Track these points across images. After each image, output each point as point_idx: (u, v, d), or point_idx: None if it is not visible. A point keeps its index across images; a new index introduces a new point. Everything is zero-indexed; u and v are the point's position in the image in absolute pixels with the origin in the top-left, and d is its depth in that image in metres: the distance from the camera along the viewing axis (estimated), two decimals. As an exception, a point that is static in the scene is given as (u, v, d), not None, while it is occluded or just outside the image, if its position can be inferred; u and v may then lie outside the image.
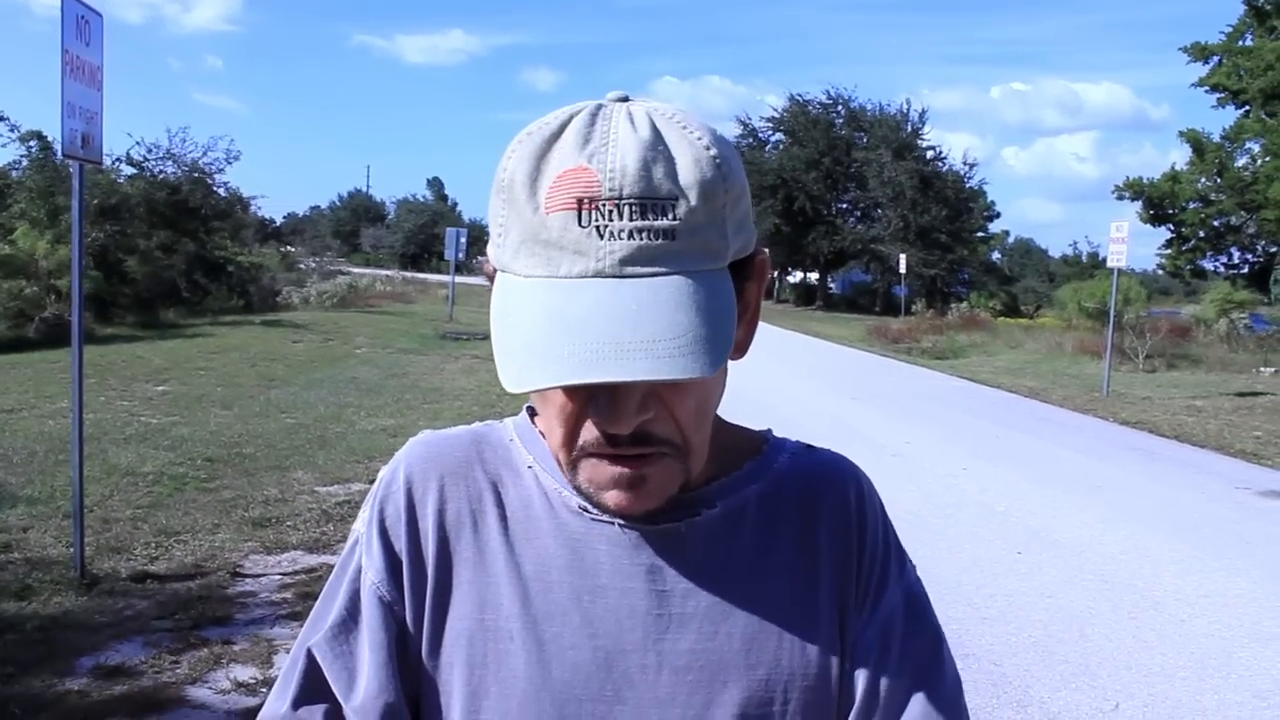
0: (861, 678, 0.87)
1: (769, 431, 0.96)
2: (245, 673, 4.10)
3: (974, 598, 5.47)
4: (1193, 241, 33.44)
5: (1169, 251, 34.47)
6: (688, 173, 0.73)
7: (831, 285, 53.42)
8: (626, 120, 0.74)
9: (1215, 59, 31.19)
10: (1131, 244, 15.64)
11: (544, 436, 0.89)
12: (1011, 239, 70.71)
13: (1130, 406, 14.19)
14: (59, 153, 20.56)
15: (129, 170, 22.73)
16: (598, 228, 0.71)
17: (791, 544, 0.88)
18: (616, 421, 0.75)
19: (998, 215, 53.93)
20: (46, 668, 4.02)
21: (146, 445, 8.22)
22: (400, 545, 0.88)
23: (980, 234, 50.49)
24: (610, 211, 0.71)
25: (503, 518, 0.88)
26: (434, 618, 0.86)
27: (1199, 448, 11.05)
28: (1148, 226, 33.93)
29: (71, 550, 5.11)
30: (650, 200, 0.71)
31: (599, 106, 0.76)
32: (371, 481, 5.34)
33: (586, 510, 0.86)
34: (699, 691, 0.83)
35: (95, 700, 3.79)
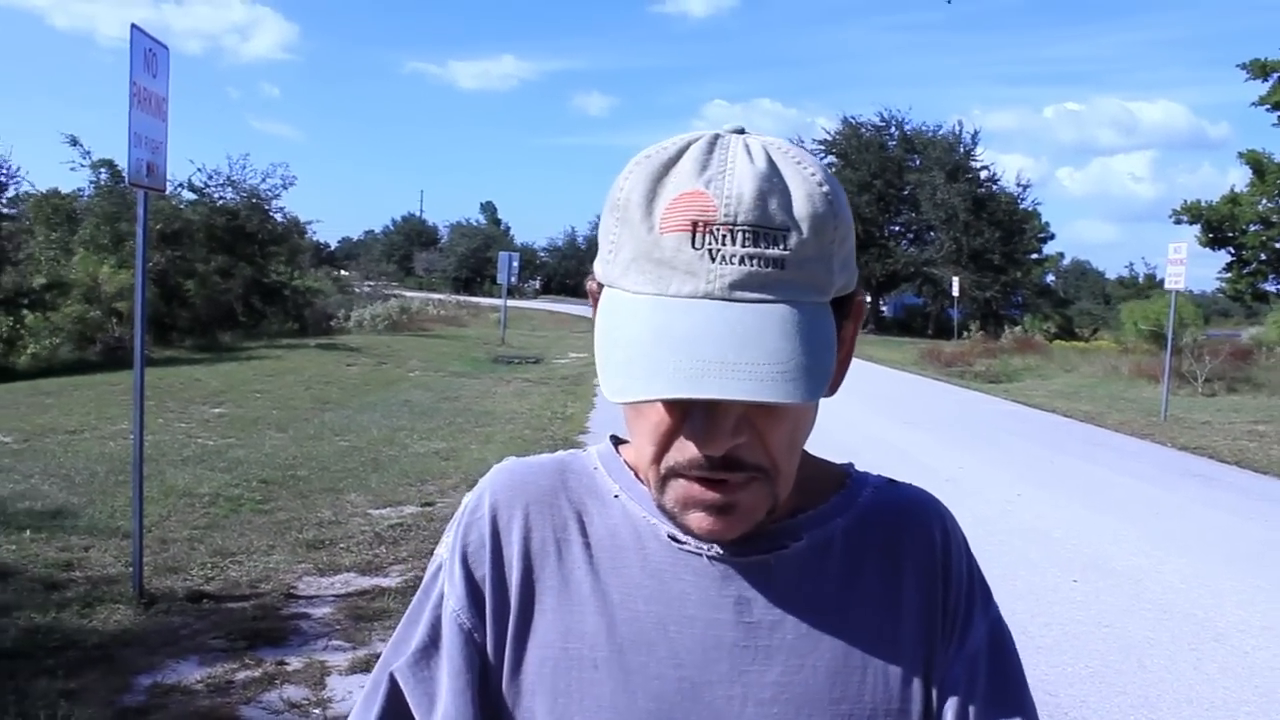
0: (950, 712, 0.88)
1: (851, 465, 0.97)
2: (298, 694, 4.15)
3: (1029, 626, 5.39)
4: (1253, 264, 32.87)
5: (1229, 274, 33.92)
6: (801, 206, 0.75)
7: (884, 308, 53.07)
8: (744, 151, 0.76)
9: (1275, 75, 30.70)
10: (1190, 265, 15.36)
11: (628, 466, 0.91)
12: (1067, 261, 69.92)
13: (1189, 431, 13.93)
14: (126, 179, 21.10)
15: (189, 196, 23.24)
16: (710, 251, 0.73)
17: (877, 578, 0.89)
18: (711, 442, 0.76)
19: (1052, 237, 53.35)
20: (105, 685, 4.09)
21: (203, 467, 8.36)
22: (483, 572, 0.89)
23: (1034, 256, 49.95)
24: (724, 236, 0.73)
25: (587, 546, 0.88)
26: (516, 645, 0.87)
27: (1261, 474, 10.81)
28: (1207, 250, 33.43)
29: (130, 570, 5.20)
30: (764, 229, 0.73)
31: (716, 136, 0.78)
32: (425, 505, 5.44)
33: (675, 539, 0.86)
34: None
35: (155, 719, 3.85)
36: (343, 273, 42.51)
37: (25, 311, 17.44)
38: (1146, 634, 5.37)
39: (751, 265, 0.73)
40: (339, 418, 11.66)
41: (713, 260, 0.73)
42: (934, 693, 0.88)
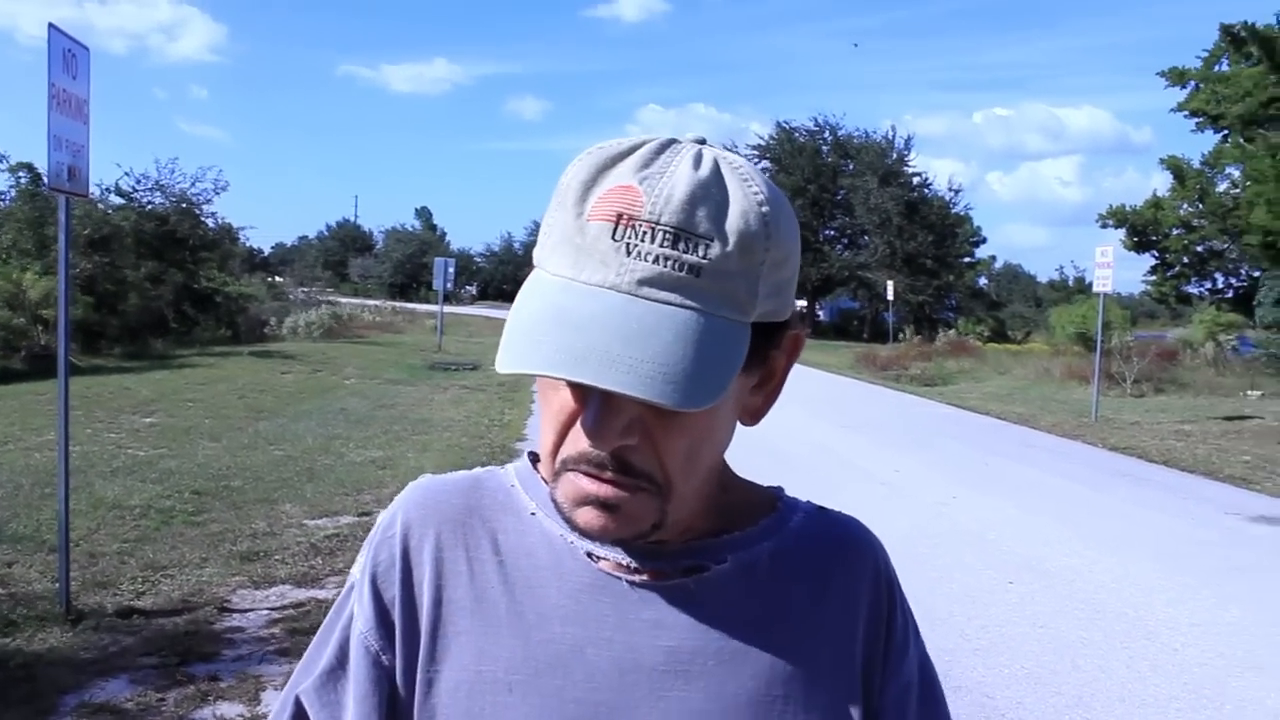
0: None
1: (781, 490, 0.96)
2: (232, 710, 4.06)
3: (965, 628, 5.46)
4: (1177, 268, 33.69)
5: (1154, 278, 34.72)
6: (734, 220, 0.73)
7: (819, 312, 53.57)
8: (691, 158, 0.75)
9: (1193, 84, 31.51)
10: (1117, 268, 15.75)
11: (546, 483, 0.88)
12: (999, 264, 71.02)
13: (1119, 432, 14.23)
14: (48, 184, 20.53)
15: (117, 200, 22.76)
16: (628, 245, 0.72)
17: (804, 606, 0.87)
18: (598, 435, 0.75)
19: (984, 240, 54.19)
20: (30, 706, 3.98)
21: (134, 478, 8.17)
22: (392, 594, 0.87)
23: (967, 260, 50.77)
24: (645, 233, 0.72)
25: (502, 564, 0.86)
26: (428, 668, 0.85)
27: (1188, 473, 11.07)
28: (1133, 254, 34.19)
29: (57, 585, 5.06)
30: (685, 233, 0.72)
31: (673, 141, 0.77)
32: (362, 514, 5.35)
33: (593, 556, 0.85)
34: None
35: (80, 740, 3.75)
36: (277, 279, 41.92)
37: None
38: (1080, 634, 5.46)
39: (664, 266, 0.72)
40: (273, 426, 11.47)
41: (628, 255, 0.72)
42: None
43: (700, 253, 0.72)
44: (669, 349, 0.70)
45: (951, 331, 38.13)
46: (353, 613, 0.88)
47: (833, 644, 0.87)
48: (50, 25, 4.93)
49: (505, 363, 0.72)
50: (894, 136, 49.18)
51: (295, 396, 14.56)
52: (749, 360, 0.76)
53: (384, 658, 0.86)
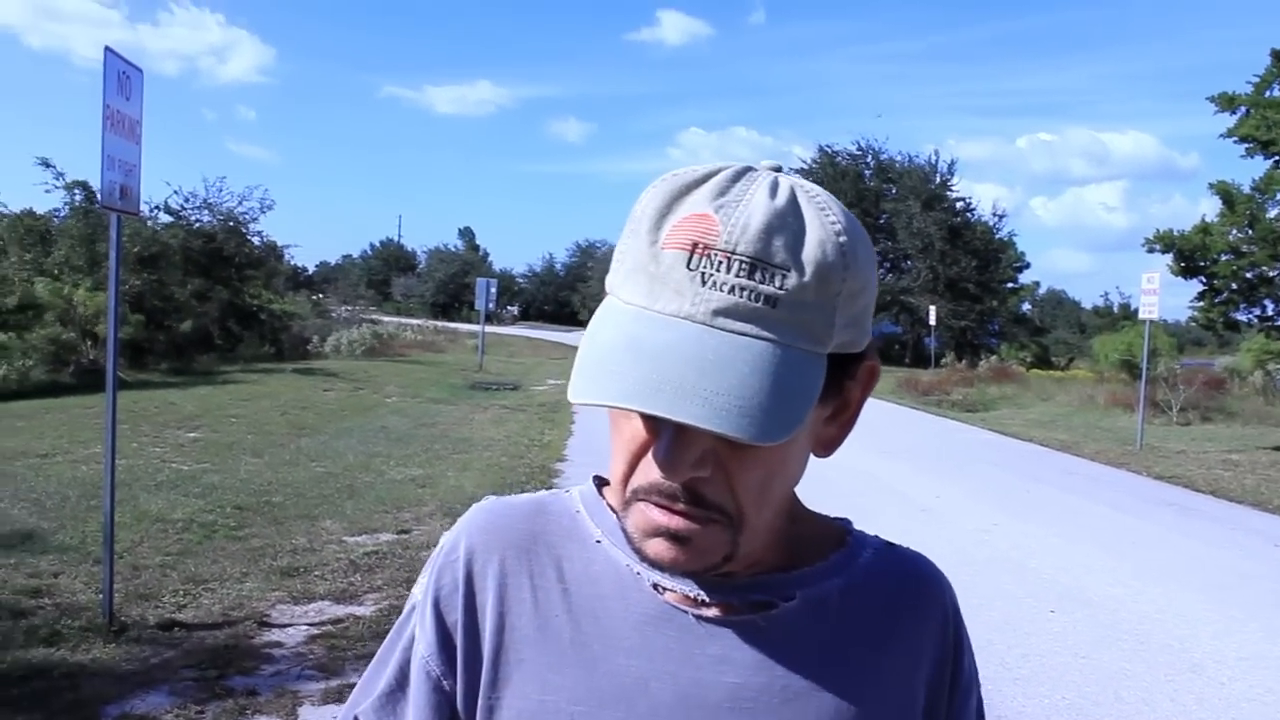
0: None
1: (849, 522, 0.95)
2: (270, 724, 4.09)
3: (1006, 657, 5.39)
4: (1225, 294, 33.20)
5: (1201, 304, 34.22)
6: (811, 250, 0.72)
7: (860, 336, 53.29)
8: (768, 186, 0.74)
9: (1243, 109, 31.16)
10: (1163, 294, 15.57)
11: (611, 509, 0.88)
12: (1042, 290, 70.40)
13: (1164, 460, 14.02)
14: (99, 202, 20.98)
15: (166, 218, 23.13)
16: (703, 274, 0.71)
17: (869, 645, 0.86)
18: (671, 467, 0.74)
19: (1027, 266, 53.83)
20: (73, 715, 4.03)
21: (177, 492, 8.28)
22: (455, 618, 0.86)
23: (1010, 285, 50.29)
24: (720, 263, 0.71)
25: (566, 593, 0.85)
26: (489, 695, 0.84)
27: (1235, 503, 10.88)
28: (1179, 279, 33.73)
29: (101, 597, 5.13)
30: (762, 263, 0.71)
31: (748, 168, 0.76)
32: (401, 532, 5.39)
33: (660, 588, 0.84)
34: None
35: (120, 751, 3.79)
36: (321, 297, 42.36)
37: (-2, 333, 17.27)
38: (1123, 665, 5.37)
39: (740, 296, 0.71)
40: (315, 443, 11.58)
41: (703, 284, 0.71)
42: None
43: (777, 283, 0.71)
44: (745, 381, 0.69)
45: (994, 357, 37.77)
46: (414, 635, 0.88)
47: (897, 685, 0.86)
48: (106, 49, 5.04)
49: (578, 392, 0.71)
50: (937, 161, 48.93)
51: (337, 414, 14.69)
52: (825, 390, 0.75)
53: (445, 683, 0.86)
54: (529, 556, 0.87)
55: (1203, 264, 32.93)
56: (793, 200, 0.74)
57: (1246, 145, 31.23)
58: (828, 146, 51.22)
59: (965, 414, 21.78)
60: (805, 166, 51.61)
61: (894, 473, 11.82)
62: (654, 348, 0.70)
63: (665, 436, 0.74)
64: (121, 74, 5.14)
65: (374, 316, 40.56)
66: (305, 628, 5.28)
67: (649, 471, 0.76)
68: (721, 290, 0.71)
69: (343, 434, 12.52)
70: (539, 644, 0.84)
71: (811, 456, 0.84)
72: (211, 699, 4.28)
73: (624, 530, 0.80)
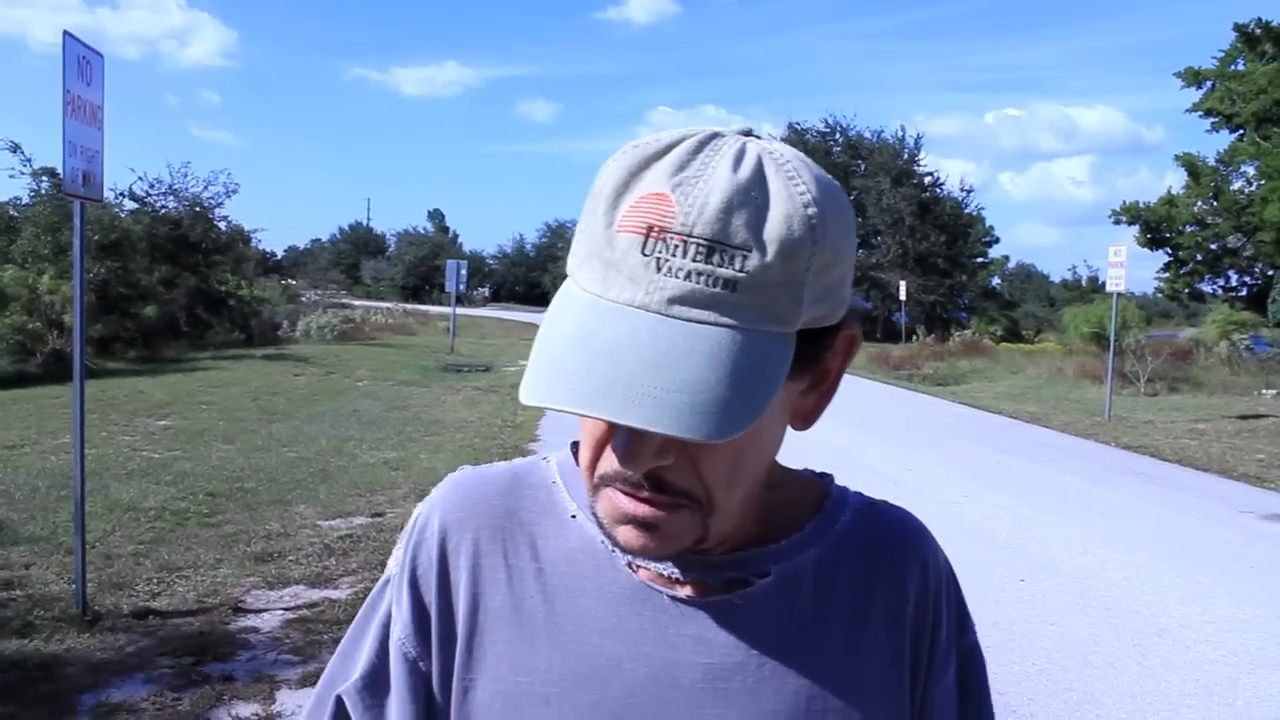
0: None
1: (830, 480, 0.93)
2: (247, 710, 4.09)
3: (978, 626, 5.43)
4: (1190, 265, 33.56)
5: (1167, 275, 34.60)
6: (774, 226, 0.68)
7: (832, 312, 53.50)
8: (732, 157, 0.70)
9: (1208, 84, 31.42)
10: (1130, 267, 15.72)
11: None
12: (1011, 264, 70.80)
13: (1132, 430, 14.19)
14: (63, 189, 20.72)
15: (131, 205, 22.88)
16: (658, 259, 0.67)
17: (848, 615, 0.85)
18: (631, 459, 0.72)
19: (996, 240, 53.97)
20: (48, 705, 4.02)
21: (148, 480, 8.22)
22: (430, 598, 0.85)
23: (979, 259, 50.61)
24: (676, 247, 0.67)
25: (541, 572, 0.84)
26: (464, 675, 0.83)
27: (1202, 471, 11.03)
28: (1146, 250, 34.07)
29: (74, 587, 5.11)
30: (720, 245, 0.67)
31: (714, 135, 0.72)
32: (375, 515, 5.39)
33: (635, 565, 0.83)
34: None
35: (97, 739, 3.79)
36: (290, 281, 42.05)
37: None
38: (1092, 631, 5.46)
39: (697, 282, 0.67)
40: (287, 428, 11.53)
41: (658, 270, 0.67)
42: None
43: (737, 265, 0.67)
44: (700, 375, 0.66)
45: (965, 331, 38.03)
46: (389, 610, 0.87)
47: (879, 650, 0.85)
48: (65, 33, 4.97)
49: (530, 392, 0.67)
50: (905, 137, 49.08)
51: (308, 399, 14.62)
52: (799, 364, 0.72)
53: (421, 664, 0.85)
54: (503, 534, 0.85)
55: (1168, 235, 33.32)
56: (758, 171, 0.69)
57: (1212, 119, 31.57)
58: (797, 124, 51.28)
59: (936, 388, 21.94)
60: (774, 144, 51.57)
61: (865, 447, 11.89)
62: (605, 344, 0.67)
63: (622, 431, 0.72)
64: (82, 59, 5.07)
65: (344, 300, 40.33)
66: (281, 612, 5.28)
67: (613, 459, 0.74)
68: (677, 276, 0.67)
69: (314, 419, 12.46)
70: (513, 625, 0.83)
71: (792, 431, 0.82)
72: (188, 686, 4.28)
73: (595, 515, 0.79)
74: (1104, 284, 17.11)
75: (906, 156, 47.78)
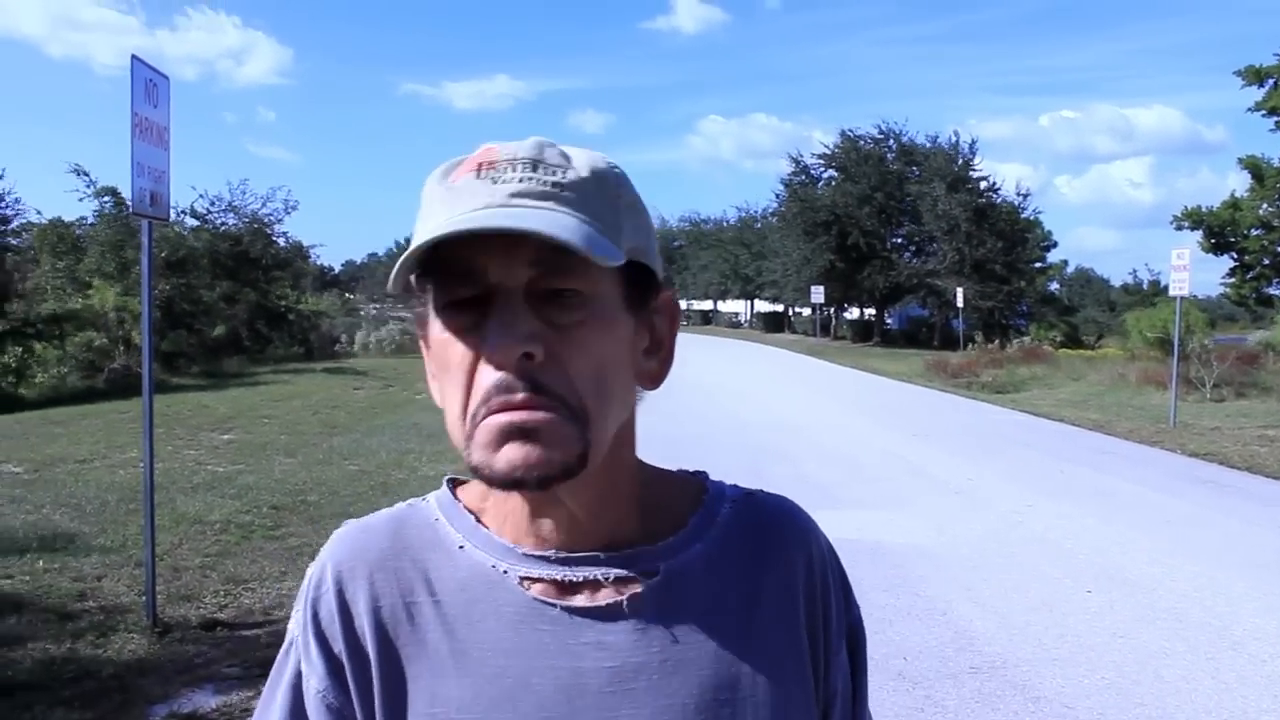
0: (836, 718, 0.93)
1: (705, 476, 0.95)
2: (314, 720, 4.14)
3: (1043, 638, 5.37)
4: (1257, 269, 32.85)
5: (1233, 280, 33.89)
6: (580, 159, 0.80)
7: (888, 320, 53.07)
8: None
9: (1270, 81, 30.76)
10: (1194, 270, 15.37)
11: (468, 510, 0.89)
12: (1070, 268, 69.94)
13: (1198, 438, 13.90)
14: (130, 207, 21.25)
15: (192, 223, 23.34)
16: (492, 178, 0.77)
17: (742, 601, 0.87)
18: (502, 348, 0.75)
19: (1054, 245, 53.31)
20: (121, 715, 4.10)
21: (214, 494, 8.37)
22: (339, 647, 0.85)
23: (1037, 264, 49.98)
24: (505, 167, 0.78)
25: (438, 604, 0.85)
26: (387, 717, 0.84)
27: (1272, 479, 10.78)
28: (1210, 255, 33.42)
29: (144, 598, 5.20)
30: (540, 162, 0.78)
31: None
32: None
33: (526, 581, 0.84)
34: None
35: (169, 749, 3.85)
36: (349, 295, 42.60)
37: (32, 341, 17.50)
38: (1162, 644, 5.35)
39: (529, 184, 0.77)
40: (347, 442, 11.67)
41: (494, 184, 0.77)
42: (815, 706, 0.89)
43: (559, 175, 0.78)
44: (560, 220, 0.74)
45: (1023, 338, 37.53)
46: (298, 670, 0.87)
47: (775, 635, 0.88)
48: (133, 57, 5.09)
49: (400, 267, 0.75)
50: (959, 142, 48.62)
51: (368, 412, 14.79)
52: (632, 304, 0.81)
53: (345, 712, 0.85)
54: (395, 575, 0.86)
55: (1233, 240, 32.65)
56: (557, 145, 0.81)
57: (1276, 119, 30.89)
58: (850, 131, 51.00)
59: (995, 395, 21.66)
60: (828, 151, 51.39)
61: (926, 456, 11.78)
62: (461, 222, 0.74)
63: (493, 323, 0.76)
64: (148, 81, 5.19)
65: (401, 314, 40.72)
66: (345, 624, 5.33)
67: (484, 379, 0.76)
68: (511, 183, 0.77)
69: (375, 432, 12.60)
70: (420, 659, 0.84)
71: (651, 394, 0.88)
72: (256, 695, 4.32)
73: (474, 466, 0.79)
74: (1167, 287, 16.81)
75: (961, 162, 47.31)
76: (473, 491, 0.91)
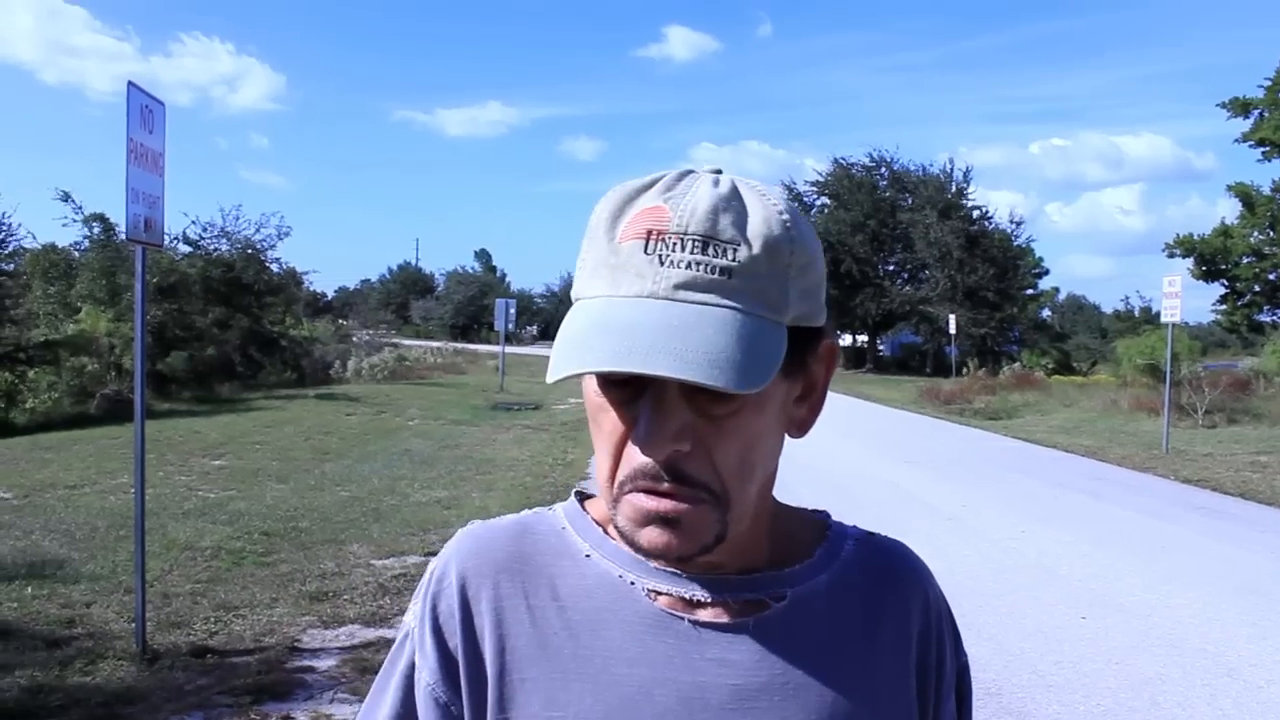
0: None
1: (827, 515, 0.97)
2: (305, 748, 4.10)
3: (1038, 665, 5.35)
4: (1248, 296, 33.02)
5: (1224, 307, 34.05)
6: (756, 225, 0.77)
7: (881, 347, 53.12)
8: (710, 179, 0.80)
9: (1256, 113, 31.01)
10: (1186, 297, 15.43)
11: (596, 523, 0.90)
12: (1062, 295, 70.07)
13: (1191, 464, 13.91)
14: (119, 233, 21.51)
15: (185, 248, 23.33)
16: (660, 256, 0.76)
17: (861, 635, 0.89)
18: (651, 443, 0.77)
19: (1046, 272, 53.34)
20: (110, 745, 4.05)
21: (205, 520, 8.32)
22: (455, 643, 0.86)
23: (1029, 291, 50.08)
24: (675, 244, 0.76)
25: (563, 610, 0.86)
26: (498, 715, 0.84)
27: (1266, 505, 10.78)
28: (1201, 283, 33.57)
29: (133, 625, 5.16)
30: (713, 239, 0.76)
31: (689, 170, 0.81)
32: (428, 554, 5.38)
33: (654, 594, 0.85)
34: None
35: (158, 777, 3.81)
36: (341, 321, 42.57)
37: (24, 367, 17.44)
38: (1158, 670, 5.33)
39: (697, 270, 0.75)
40: (339, 468, 11.62)
41: (661, 264, 0.75)
42: None
43: (729, 256, 0.76)
44: (712, 340, 0.73)
45: (1015, 364, 37.59)
46: (413, 663, 0.88)
47: (889, 672, 0.89)
48: (130, 83, 5.10)
49: (555, 370, 0.74)
50: (952, 169, 48.80)
51: (360, 438, 14.74)
52: (790, 367, 0.79)
53: (453, 707, 0.86)
54: (521, 577, 0.88)
55: (1224, 267, 32.83)
56: (734, 188, 0.79)
57: (1263, 149, 31.13)
58: (842, 159, 51.18)
59: (988, 422, 21.68)
60: (820, 179, 51.57)
61: (919, 482, 11.77)
62: (622, 322, 0.74)
63: (644, 413, 0.77)
64: (144, 108, 5.20)
65: (394, 340, 40.73)
66: (337, 652, 5.29)
67: (632, 458, 0.79)
68: (679, 267, 0.75)
69: (366, 458, 12.56)
70: (541, 662, 0.84)
71: (790, 442, 0.87)
72: (246, 724, 4.30)
73: (617, 526, 0.82)
74: (1158, 314, 16.87)
75: (954, 189, 47.51)
76: (601, 505, 0.91)
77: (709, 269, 0.75)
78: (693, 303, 0.74)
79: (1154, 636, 5.90)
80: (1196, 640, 5.85)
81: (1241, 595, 6.84)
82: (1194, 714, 4.75)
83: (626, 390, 0.78)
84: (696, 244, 0.75)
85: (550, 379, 0.75)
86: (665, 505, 0.78)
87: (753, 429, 0.79)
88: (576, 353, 0.74)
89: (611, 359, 0.72)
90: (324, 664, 5.10)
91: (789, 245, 0.78)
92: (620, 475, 0.80)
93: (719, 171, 0.82)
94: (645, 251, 0.76)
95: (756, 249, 0.76)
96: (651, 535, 0.79)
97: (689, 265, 0.75)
